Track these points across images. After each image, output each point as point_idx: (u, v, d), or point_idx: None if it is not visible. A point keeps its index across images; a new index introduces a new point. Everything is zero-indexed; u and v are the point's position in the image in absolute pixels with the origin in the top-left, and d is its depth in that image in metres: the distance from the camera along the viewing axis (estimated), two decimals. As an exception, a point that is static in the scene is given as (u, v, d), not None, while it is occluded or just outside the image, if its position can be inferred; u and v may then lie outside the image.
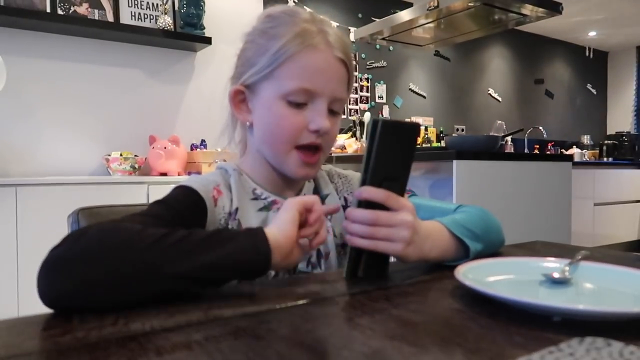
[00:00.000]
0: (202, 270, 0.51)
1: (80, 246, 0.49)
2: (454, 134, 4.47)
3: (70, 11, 2.59)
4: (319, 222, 0.61)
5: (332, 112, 0.74)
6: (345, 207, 0.85)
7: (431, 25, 2.89)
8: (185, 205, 0.69)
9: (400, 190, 0.63)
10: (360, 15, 3.93)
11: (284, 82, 0.70)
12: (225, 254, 0.52)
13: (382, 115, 3.93)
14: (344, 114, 3.85)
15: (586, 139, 5.31)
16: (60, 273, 0.48)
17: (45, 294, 0.48)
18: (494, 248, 0.77)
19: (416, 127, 0.63)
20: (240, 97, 0.76)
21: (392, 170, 0.62)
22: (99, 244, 0.50)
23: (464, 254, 0.69)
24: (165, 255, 0.50)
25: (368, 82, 4.01)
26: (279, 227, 0.57)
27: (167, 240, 0.51)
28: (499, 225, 0.79)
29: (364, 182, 0.61)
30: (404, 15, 2.81)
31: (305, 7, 3.61)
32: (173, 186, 0.73)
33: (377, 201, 0.60)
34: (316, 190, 0.84)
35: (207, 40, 2.88)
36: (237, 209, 0.74)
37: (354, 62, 3.89)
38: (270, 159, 0.76)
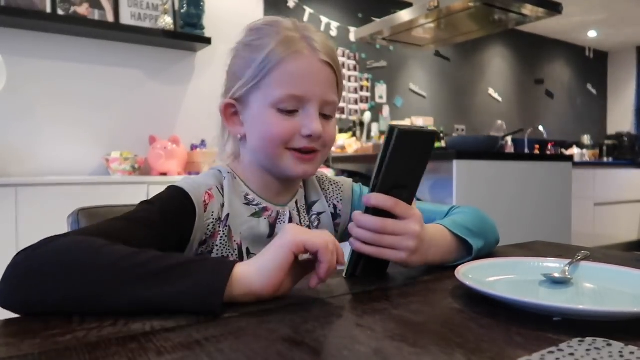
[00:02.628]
0: (143, 304, 0.48)
1: (38, 260, 0.50)
2: (454, 134, 4.47)
3: (70, 11, 2.59)
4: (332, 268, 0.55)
5: (325, 116, 0.73)
6: (334, 214, 0.85)
7: (431, 25, 2.89)
8: (174, 207, 0.68)
9: (409, 197, 0.63)
10: (360, 15, 3.92)
11: (272, 91, 0.70)
12: (175, 292, 0.48)
13: (382, 115, 3.91)
14: (344, 114, 3.85)
15: (586, 139, 5.31)
16: (14, 284, 0.49)
17: (1, 297, 0.49)
18: (490, 246, 0.78)
19: (433, 135, 0.61)
20: (232, 111, 0.76)
21: (403, 178, 0.61)
22: (54, 260, 0.49)
23: (466, 254, 0.70)
24: (110, 283, 0.48)
25: (368, 82, 4.01)
26: (260, 272, 0.51)
27: (121, 265, 0.48)
28: (493, 223, 0.81)
29: (373, 188, 0.61)
30: (404, 15, 2.81)
31: (305, 7, 3.61)
32: (172, 186, 0.73)
33: (385, 209, 0.60)
34: (305, 196, 0.84)
35: (207, 41, 2.88)
36: (227, 215, 0.73)
37: (354, 62, 3.89)
38: (267, 164, 0.75)
